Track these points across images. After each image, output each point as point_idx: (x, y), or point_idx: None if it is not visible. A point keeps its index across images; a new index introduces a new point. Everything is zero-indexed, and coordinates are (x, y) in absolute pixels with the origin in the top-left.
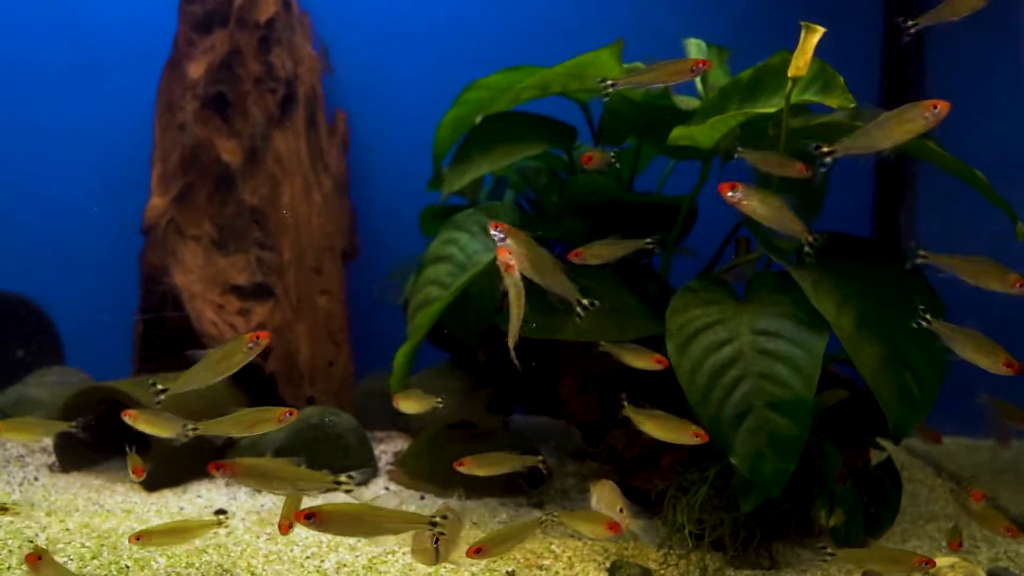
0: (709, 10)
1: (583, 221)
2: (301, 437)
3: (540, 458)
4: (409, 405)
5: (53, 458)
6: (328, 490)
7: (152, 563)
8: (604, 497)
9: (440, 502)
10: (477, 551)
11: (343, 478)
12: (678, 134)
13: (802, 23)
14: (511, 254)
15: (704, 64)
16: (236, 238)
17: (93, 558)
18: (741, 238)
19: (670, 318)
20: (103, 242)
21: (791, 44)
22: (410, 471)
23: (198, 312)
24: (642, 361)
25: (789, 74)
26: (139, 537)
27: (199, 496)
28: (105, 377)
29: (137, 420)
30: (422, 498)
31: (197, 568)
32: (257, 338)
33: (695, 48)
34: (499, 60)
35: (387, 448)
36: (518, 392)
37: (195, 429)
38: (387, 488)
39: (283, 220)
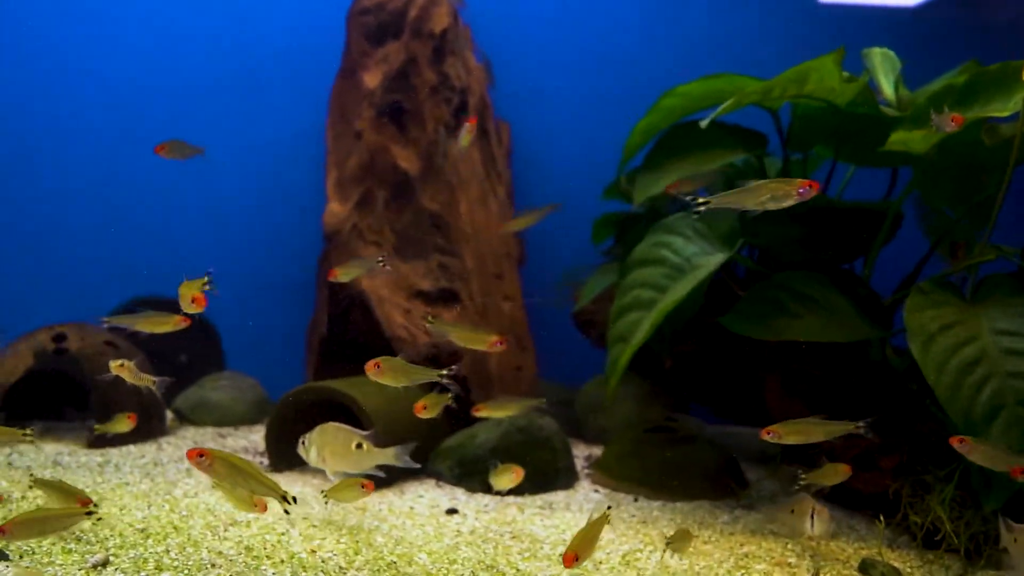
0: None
1: (789, 227)
2: (511, 439)
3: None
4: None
5: (259, 458)
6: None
7: (416, 559)
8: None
9: (656, 503)
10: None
11: (290, 498)
12: (897, 138)
13: None
14: None
15: None
16: (416, 244)
17: (356, 554)
18: (958, 242)
19: (909, 318)
20: (262, 249)
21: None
22: (614, 474)
23: (387, 316)
24: None
25: None
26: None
27: (420, 496)
28: (270, 383)
29: None
30: (635, 500)
31: (462, 564)
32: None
33: (880, 56)
34: (656, 71)
35: (576, 453)
36: (704, 398)
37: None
38: (596, 491)
39: (463, 226)
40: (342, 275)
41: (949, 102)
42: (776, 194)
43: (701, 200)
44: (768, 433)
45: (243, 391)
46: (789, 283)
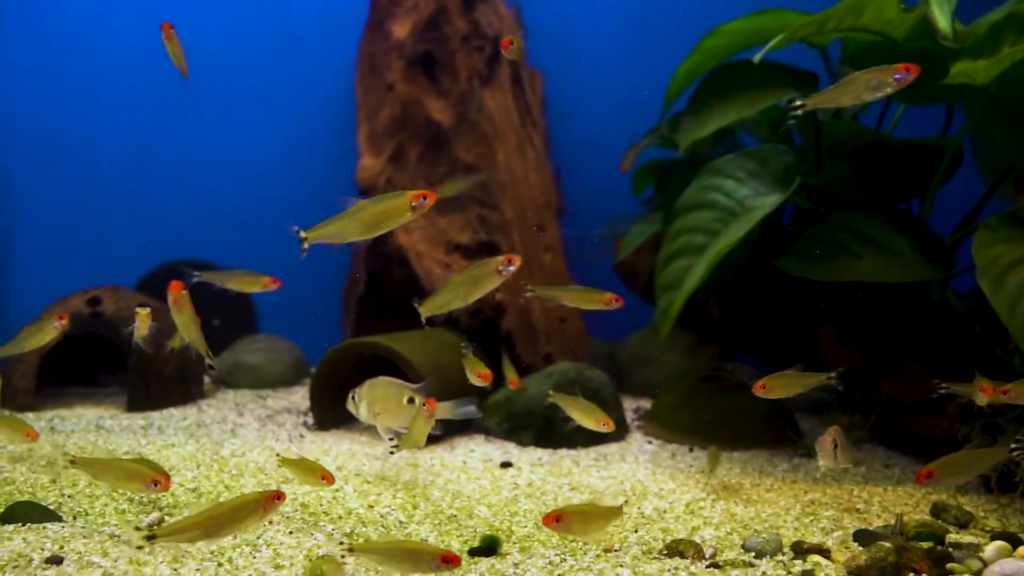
0: None
1: (844, 166)
2: (561, 392)
3: None
4: None
5: (302, 417)
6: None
7: (476, 512)
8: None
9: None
10: (556, 519)
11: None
12: (959, 69)
13: None
14: None
15: None
16: (453, 197)
17: (415, 508)
18: (1021, 179)
19: (978, 254)
20: (293, 209)
21: None
22: (665, 425)
23: (427, 271)
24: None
25: None
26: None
27: (472, 451)
28: (304, 345)
29: None
30: (691, 450)
31: (524, 516)
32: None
33: None
34: (696, 11)
35: (624, 406)
36: (753, 348)
37: None
38: (650, 442)
39: (501, 177)
40: None
41: (1012, 33)
42: (871, 84)
43: (798, 103)
44: (762, 388)
45: (280, 353)
46: (848, 223)
